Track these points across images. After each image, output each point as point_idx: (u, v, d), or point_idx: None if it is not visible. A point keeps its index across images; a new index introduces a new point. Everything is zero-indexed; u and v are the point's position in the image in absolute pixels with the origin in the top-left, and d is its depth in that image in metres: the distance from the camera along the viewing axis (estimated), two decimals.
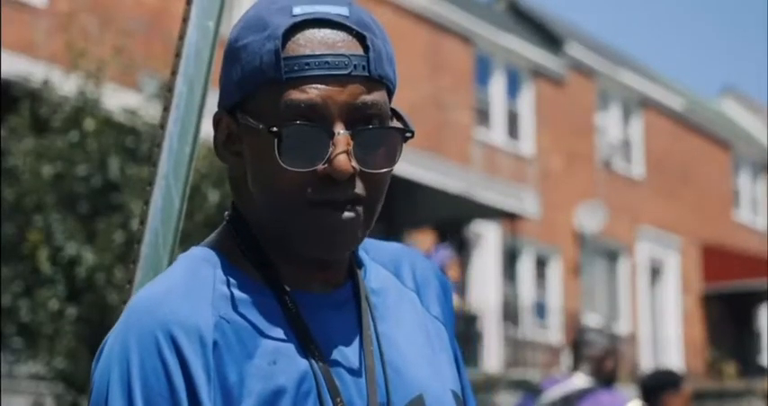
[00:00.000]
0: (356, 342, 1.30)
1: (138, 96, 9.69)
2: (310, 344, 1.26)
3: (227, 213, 1.33)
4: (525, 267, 19.57)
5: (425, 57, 18.37)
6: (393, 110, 1.30)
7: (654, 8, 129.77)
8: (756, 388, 17.70)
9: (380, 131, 1.26)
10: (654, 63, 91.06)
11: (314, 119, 1.24)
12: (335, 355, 1.28)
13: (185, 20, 1.38)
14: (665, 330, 22.89)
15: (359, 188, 1.26)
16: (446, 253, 11.64)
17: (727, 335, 24.10)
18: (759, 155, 26.82)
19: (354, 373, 1.28)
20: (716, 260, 23.60)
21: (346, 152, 1.23)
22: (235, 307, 1.25)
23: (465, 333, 15.15)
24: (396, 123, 1.30)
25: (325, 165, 1.23)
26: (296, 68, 1.24)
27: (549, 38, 21.51)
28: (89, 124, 8.65)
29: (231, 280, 1.27)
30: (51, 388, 8.75)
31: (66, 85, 9.18)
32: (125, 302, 1.33)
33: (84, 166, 8.48)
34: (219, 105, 1.32)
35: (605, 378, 5.14)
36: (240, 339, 1.24)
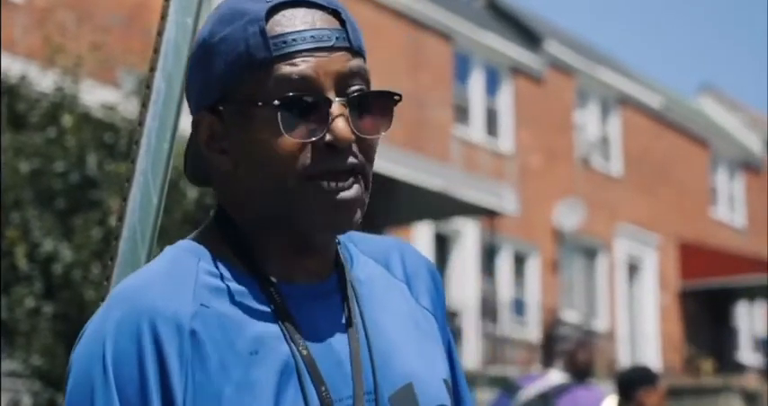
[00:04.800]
0: (342, 331, 1.31)
1: (116, 92, 9.65)
2: (294, 334, 1.27)
3: (212, 211, 1.35)
4: (504, 264, 19.61)
5: (405, 54, 18.38)
6: None
7: (633, 6, 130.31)
8: (733, 384, 17.81)
9: (372, 95, 1.30)
10: (632, 61, 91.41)
11: (308, 91, 1.26)
12: (321, 344, 1.29)
13: (164, 17, 1.39)
14: (642, 327, 22.98)
15: (357, 156, 1.28)
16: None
17: (705, 332, 24.22)
18: (736, 153, 26.96)
19: (340, 361, 1.29)
20: (693, 257, 23.71)
21: (345, 118, 1.26)
22: (218, 297, 1.27)
23: None
24: None
25: (326, 134, 1.26)
26: (283, 45, 1.27)
27: (528, 35, 21.55)
28: (67, 120, 8.62)
29: (216, 271, 1.29)
30: (28, 385, 8.71)
31: (44, 81, 9.13)
32: (103, 299, 1.33)
33: (62, 162, 8.44)
34: (195, 109, 1.33)
35: (579, 371, 5.13)
36: (222, 328, 1.25)
